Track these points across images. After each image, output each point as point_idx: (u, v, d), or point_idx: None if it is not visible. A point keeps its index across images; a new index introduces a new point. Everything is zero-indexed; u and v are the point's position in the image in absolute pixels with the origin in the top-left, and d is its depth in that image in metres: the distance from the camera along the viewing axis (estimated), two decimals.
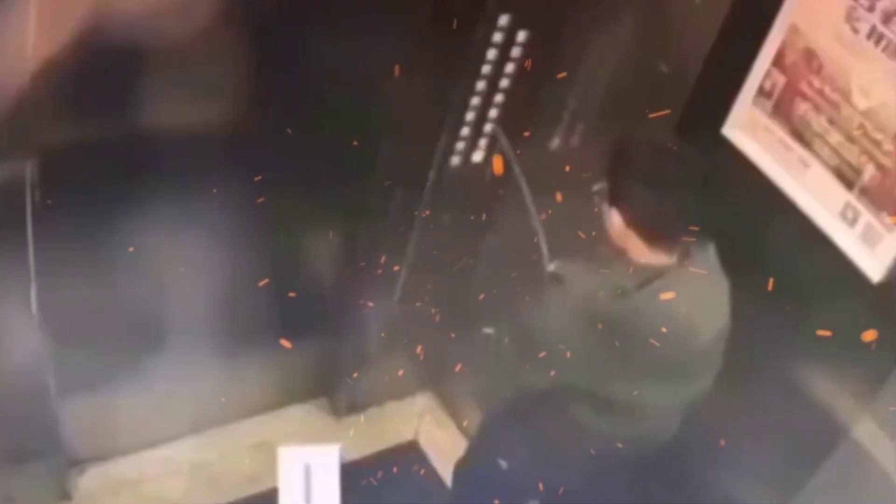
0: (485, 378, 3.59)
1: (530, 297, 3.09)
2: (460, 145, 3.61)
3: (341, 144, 3.49)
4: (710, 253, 3.00)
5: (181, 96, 3.12)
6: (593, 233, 3.09)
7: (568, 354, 2.93)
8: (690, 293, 2.94)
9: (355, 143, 3.50)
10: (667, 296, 2.89)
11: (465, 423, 4.45)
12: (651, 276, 2.90)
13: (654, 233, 2.89)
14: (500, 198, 3.83)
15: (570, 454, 3.25)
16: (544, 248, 3.27)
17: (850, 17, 2.96)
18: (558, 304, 2.96)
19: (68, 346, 3.45)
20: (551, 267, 3.06)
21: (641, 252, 2.92)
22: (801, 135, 3.15)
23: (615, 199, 2.90)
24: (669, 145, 2.95)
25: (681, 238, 2.90)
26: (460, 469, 3.74)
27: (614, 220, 2.91)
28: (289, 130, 3.33)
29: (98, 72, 2.88)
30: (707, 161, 2.89)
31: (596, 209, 2.99)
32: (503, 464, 3.39)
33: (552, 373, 3.00)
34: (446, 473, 4.13)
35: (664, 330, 2.88)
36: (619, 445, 3.16)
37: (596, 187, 2.95)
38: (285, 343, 3.95)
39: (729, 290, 3.04)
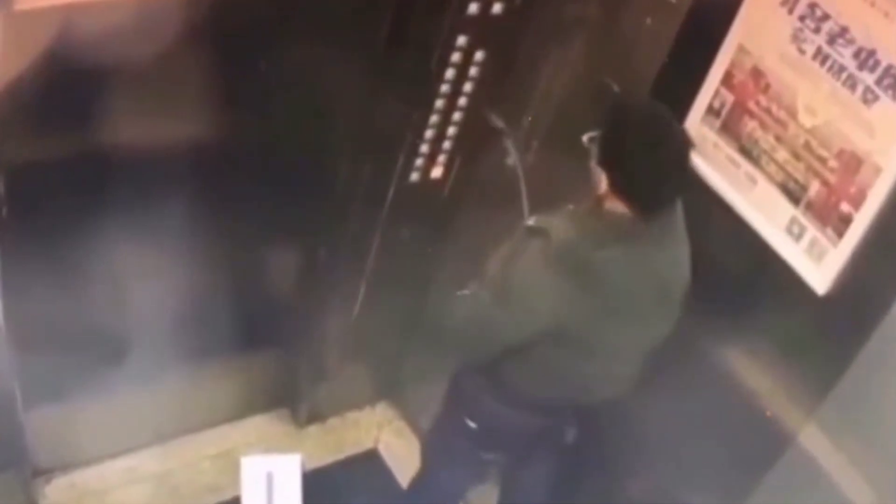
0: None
1: (508, 254, 3.08)
2: (419, 162, 3.60)
3: (302, 161, 3.49)
4: (679, 212, 3.02)
5: (143, 114, 3.09)
6: (572, 188, 3.10)
7: (543, 304, 2.95)
8: (662, 249, 3.00)
9: (316, 159, 3.50)
10: (641, 250, 2.94)
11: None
12: (626, 231, 2.91)
13: (635, 198, 2.88)
14: (457, 213, 3.84)
15: (531, 403, 3.28)
16: (525, 203, 3.34)
17: (797, 39, 2.98)
18: (537, 256, 2.94)
19: (34, 359, 3.42)
20: (531, 221, 3.04)
21: (620, 209, 2.91)
22: (748, 152, 3.16)
23: (604, 161, 2.89)
24: (662, 113, 2.95)
25: (660, 204, 2.92)
26: (431, 430, 3.76)
27: (601, 179, 2.89)
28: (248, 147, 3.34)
29: (62, 91, 2.86)
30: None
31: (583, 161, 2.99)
32: (472, 424, 3.40)
33: (528, 323, 3.02)
34: (405, 481, 4.13)
35: (636, 281, 2.95)
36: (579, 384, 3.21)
37: (586, 136, 2.93)
38: None
39: (689, 248, 3.07)
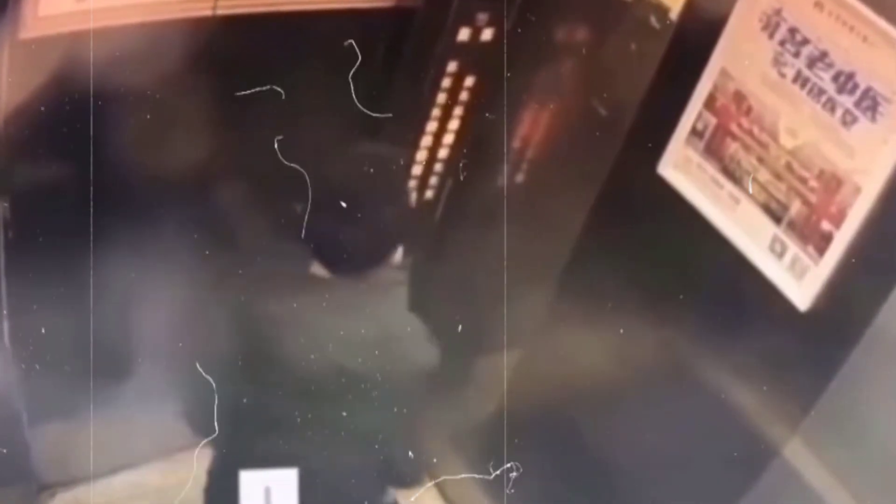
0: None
1: None
2: (412, 184, 3.60)
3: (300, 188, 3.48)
4: None
5: (148, 139, 3.09)
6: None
7: None
8: None
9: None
10: None
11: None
12: None
13: None
14: (450, 234, 3.82)
15: None
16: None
17: (777, 62, 2.96)
18: None
19: (39, 377, 3.40)
20: None
21: None
22: (731, 172, 3.13)
23: None
24: None
25: None
26: None
27: None
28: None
29: (67, 116, 2.85)
30: None
31: None
32: None
33: None
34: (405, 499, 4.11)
35: None
36: None
37: None
38: None
39: None
